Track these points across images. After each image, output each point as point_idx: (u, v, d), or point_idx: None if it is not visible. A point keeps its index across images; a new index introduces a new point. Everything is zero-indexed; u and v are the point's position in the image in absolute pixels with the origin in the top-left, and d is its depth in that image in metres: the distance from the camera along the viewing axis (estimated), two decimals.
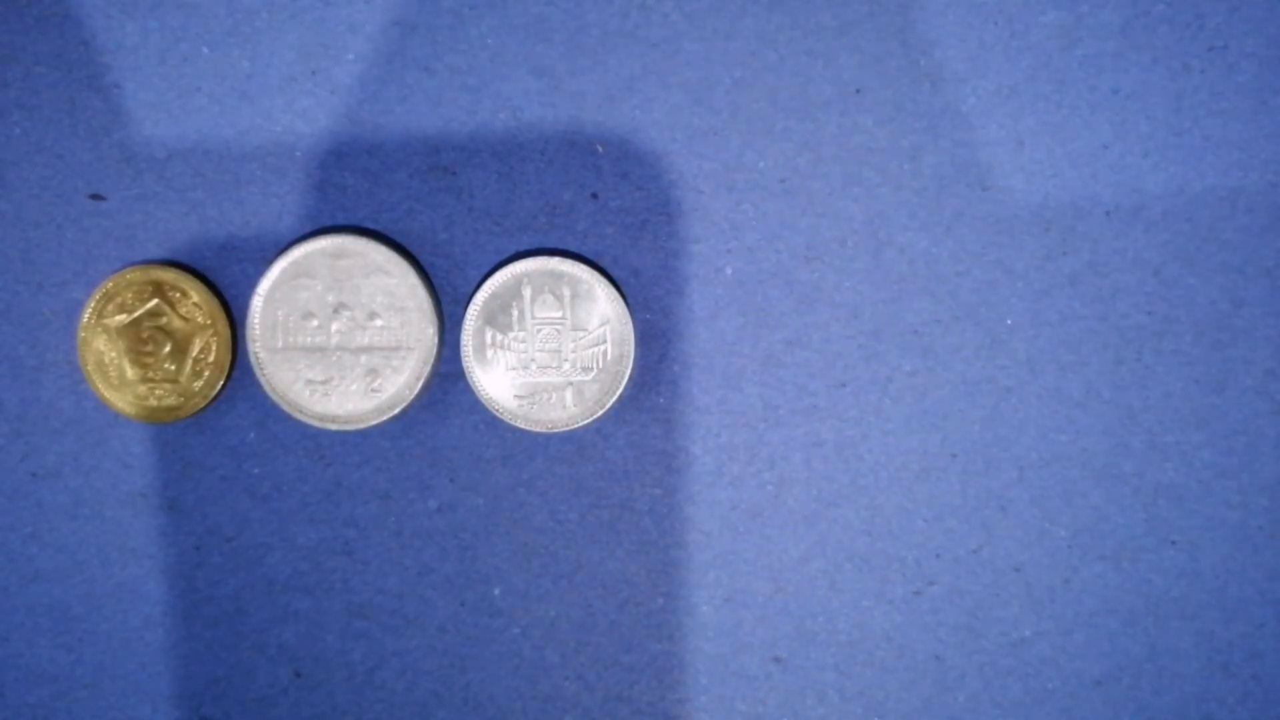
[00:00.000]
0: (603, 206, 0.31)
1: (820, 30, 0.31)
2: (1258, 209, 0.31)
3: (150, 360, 0.31)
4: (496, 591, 0.32)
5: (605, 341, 0.30)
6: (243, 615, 0.32)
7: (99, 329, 0.31)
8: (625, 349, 0.30)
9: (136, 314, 0.31)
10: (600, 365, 0.30)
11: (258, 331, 0.30)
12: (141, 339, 0.31)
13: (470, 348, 0.30)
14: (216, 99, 0.31)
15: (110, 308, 0.31)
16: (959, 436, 0.31)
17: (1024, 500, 0.31)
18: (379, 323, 0.30)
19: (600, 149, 0.31)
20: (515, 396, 0.30)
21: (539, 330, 0.30)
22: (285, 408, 0.30)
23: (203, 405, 0.31)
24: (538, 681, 0.32)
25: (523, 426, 0.30)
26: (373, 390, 0.30)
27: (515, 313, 0.30)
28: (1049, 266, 0.31)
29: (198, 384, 0.31)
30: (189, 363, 0.31)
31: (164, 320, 0.31)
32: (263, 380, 0.30)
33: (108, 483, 0.32)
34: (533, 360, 0.30)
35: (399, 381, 0.30)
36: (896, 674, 0.32)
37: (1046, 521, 0.31)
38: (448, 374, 0.31)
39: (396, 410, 0.30)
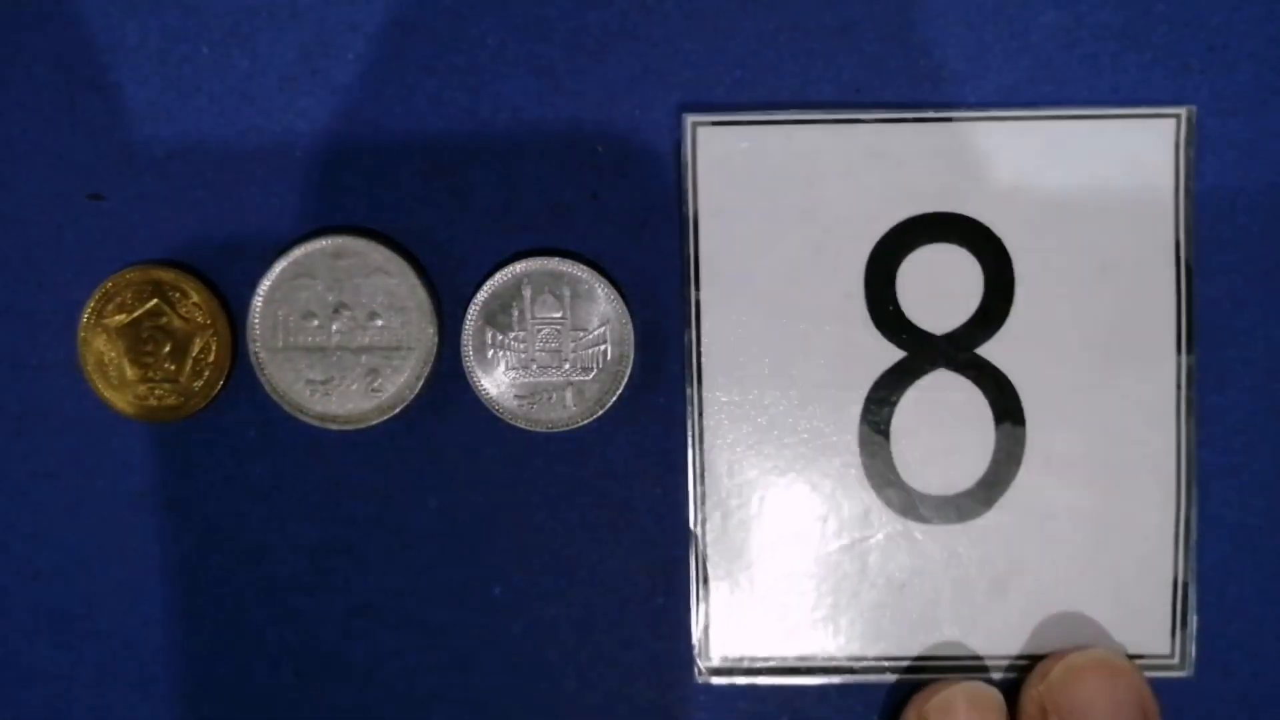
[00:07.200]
0: (603, 206, 0.31)
1: (820, 30, 0.31)
2: (1257, 209, 0.31)
3: (150, 360, 0.31)
4: (496, 591, 0.32)
5: (605, 341, 0.30)
6: (243, 615, 0.32)
7: (99, 329, 0.31)
8: (625, 349, 0.30)
9: (136, 314, 0.31)
10: (600, 365, 0.30)
11: (258, 331, 0.30)
12: (141, 339, 0.31)
13: (470, 348, 0.30)
14: (216, 99, 0.31)
15: (110, 308, 0.31)
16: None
17: None
18: (379, 323, 0.30)
19: (600, 149, 0.31)
20: (515, 396, 0.30)
21: (539, 330, 0.30)
22: (285, 408, 0.30)
23: (203, 405, 0.31)
24: (538, 681, 0.32)
25: (523, 426, 0.31)
26: (373, 390, 0.30)
27: (515, 313, 0.30)
28: None
29: (198, 384, 0.31)
30: (189, 363, 0.31)
31: (164, 320, 0.31)
32: (263, 380, 0.30)
33: (108, 483, 0.32)
34: (533, 360, 0.30)
35: (399, 381, 0.30)
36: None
37: None
38: (448, 374, 0.31)
39: (397, 410, 0.30)
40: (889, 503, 0.31)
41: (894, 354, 0.31)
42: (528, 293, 0.30)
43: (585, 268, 0.30)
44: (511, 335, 0.30)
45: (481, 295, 0.30)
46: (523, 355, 0.30)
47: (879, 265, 0.31)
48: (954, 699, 0.29)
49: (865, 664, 0.31)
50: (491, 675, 0.32)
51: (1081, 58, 0.31)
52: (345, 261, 0.30)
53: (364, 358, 0.30)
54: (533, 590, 0.32)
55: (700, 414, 0.31)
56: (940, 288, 0.31)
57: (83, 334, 0.31)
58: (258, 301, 0.30)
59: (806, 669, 0.31)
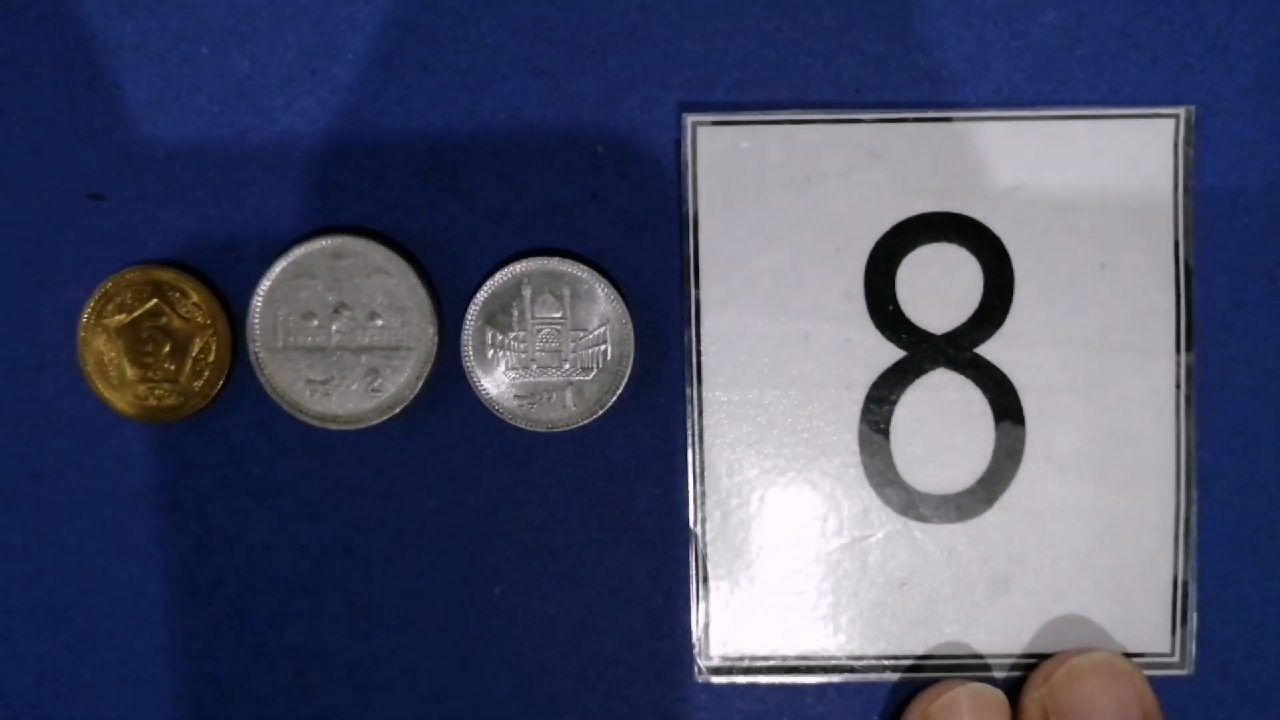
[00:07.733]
0: (603, 206, 0.31)
1: (820, 30, 0.31)
2: (1257, 209, 0.31)
3: (150, 360, 0.31)
4: (496, 591, 0.32)
5: (605, 341, 0.30)
6: (243, 615, 0.32)
7: (99, 329, 0.31)
8: (625, 349, 0.30)
9: (136, 314, 0.31)
10: (600, 365, 0.30)
11: (258, 331, 0.30)
12: (141, 339, 0.31)
13: (470, 348, 0.30)
14: (216, 99, 0.31)
15: (110, 308, 0.31)
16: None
17: None
18: (379, 323, 0.30)
19: (600, 149, 0.31)
20: (515, 396, 0.30)
21: (539, 330, 0.30)
22: (285, 408, 0.30)
23: (203, 405, 0.31)
24: (538, 681, 0.32)
25: (523, 426, 0.31)
26: (373, 390, 0.30)
27: (515, 313, 0.30)
28: None
29: (198, 384, 0.31)
30: (189, 363, 0.31)
31: (164, 320, 0.31)
32: (263, 380, 0.30)
33: (108, 483, 0.32)
34: (533, 360, 0.30)
35: (399, 381, 0.30)
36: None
37: None
38: (448, 374, 0.31)
39: (397, 410, 0.30)
40: (889, 501, 0.31)
41: (894, 353, 0.31)
42: (528, 293, 0.30)
43: (585, 268, 0.30)
44: (511, 335, 0.30)
45: (481, 295, 0.30)
46: (523, 355, 0.30)
47: (879, 265, 0.31)
48: (958, 700, 0.29)
49: (865, 663, 0.31)
50: (491, 675, 0.32)
51: (1081, 58, 0.31)
52: (345, 261, 0.30)
53: (364, 358, 0.30)
54: (533, 590, 0.32)
55: (700, 413, 0.31)
56: (940, 287, 0.31)
57: (82, 334, 0.31)
58: (257, 301, 0.30)
59: (806, 668, 0.31)
